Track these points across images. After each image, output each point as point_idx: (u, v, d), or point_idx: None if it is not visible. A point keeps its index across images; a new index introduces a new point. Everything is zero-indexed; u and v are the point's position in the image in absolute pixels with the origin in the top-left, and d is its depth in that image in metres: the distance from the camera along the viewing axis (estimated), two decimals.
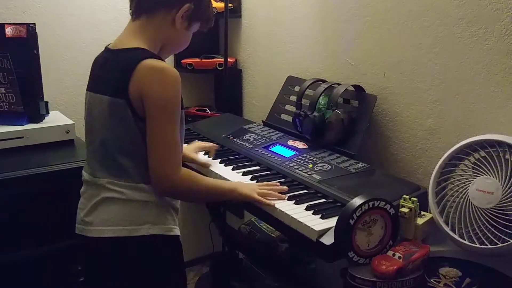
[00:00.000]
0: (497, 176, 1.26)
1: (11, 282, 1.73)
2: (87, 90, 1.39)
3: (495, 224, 1.23)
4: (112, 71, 1.30)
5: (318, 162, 1.64)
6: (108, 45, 1.39)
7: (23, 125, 1.90)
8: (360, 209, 1.21)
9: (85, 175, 1.39)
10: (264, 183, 1.51)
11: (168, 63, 2.58)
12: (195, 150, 1.73)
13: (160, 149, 1.27)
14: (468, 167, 1.35)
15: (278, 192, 1.45)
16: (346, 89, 1.78)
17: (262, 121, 2.08)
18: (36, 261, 1.76)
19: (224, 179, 1.58)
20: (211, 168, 1.67)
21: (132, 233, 1.30)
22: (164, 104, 1.26)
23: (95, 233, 1.32)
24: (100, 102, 1.31)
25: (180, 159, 1.32)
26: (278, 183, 1.50)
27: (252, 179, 1.58)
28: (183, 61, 2.47)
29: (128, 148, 1.30)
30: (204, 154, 1.77)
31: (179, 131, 1.31)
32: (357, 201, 1.22)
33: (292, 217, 1.32)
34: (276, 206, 1.38)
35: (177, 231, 1.38)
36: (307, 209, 1.36)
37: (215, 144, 1.80)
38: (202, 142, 1.81)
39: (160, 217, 1.34)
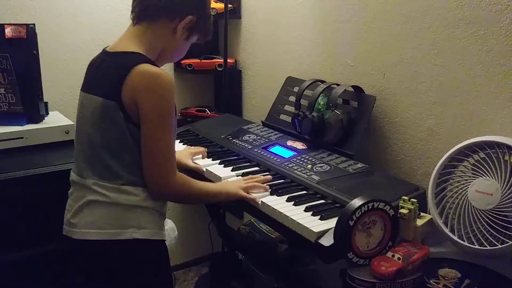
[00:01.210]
0: (496, 177, 1.26)
1: (11, 281, 1.73)
2: (81, 90, 1.40)
3: (494, 226, 1.23)
4: (106, 73, 1.31)
5: (317, 162, 1.64)
6: (106, 47, 1.40)
7: (22, 125, 1.90)
8: (359, 210, 1.21)
9: (72, 175, 1.40)
10: (248, 177, 1.54)
11: (168, 64, 2.59)
12: (187, 156, 1.73)
13: (155, 156, 1.28)
14: (467, 169, 1.35)
15: (263, 183, 1.49)
16: (345, 89, 1.78)
17: (262, 121, 2.08)
18: (35, 262, 1.76)
19: (223, 179, 1.58)
20: (210, 169, 1.67)
21: (115, 237, 1.30)
22: (158, 110, 1.27)
23: (79, 235, 1.33)
24: (92, 102, 1.32)
25: (175, 165, 1.33)
26: (261, 176, 1.54)
27: None
28: (183, 61, 2.46)
29: (117, 150, 1.30)
30: None
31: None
32: (357, 202, 1.22)
33: (291, 218, 1.32)
34: (275, 207, 1.38)
35: (162, 236, 1.38)
36: (306, 210, 1.36)
37: (204, 148, 1.81)
38: (192, 148, 1.82)
39: (145, 221, 1.33)
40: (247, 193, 1.46)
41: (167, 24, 1.36)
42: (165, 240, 1.40)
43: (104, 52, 1.39)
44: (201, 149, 1.80)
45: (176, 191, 1.34)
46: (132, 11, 1.38)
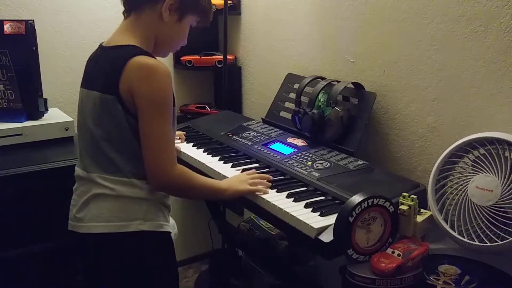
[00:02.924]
0: (496, 173, 1.26)
1: (11, 279, 1.73)
2: (80, 86, 1.41)
3: (494, 222, 1.24)
4: (103, 68, 1.32)
5: (317, 159, 1.64)
6: (102, 43, 1.41)
7: (22, 122, 1.90)
8: (359, 206, 1.21)
9: (78, 170, 1.40)
10: (251, 171, 1.54)
11: (167, 60, 2.59)
12: None
13: (153, 145, 1.28)
14: (467, 165, 1.35)
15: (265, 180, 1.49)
16: (345, 86, 1.77)
17: (262, 118, 2.08)
18: (35, 259, 1.76)
19: (223, 176, 1.58)
20: (210, 166, 1.66)
21: (122, 229, 1.31)
22: (154, 100, 1.26)
23: (85, 229, 1.33)
24: (91, 98, 1.32)
25: (174, 155, 1.32)
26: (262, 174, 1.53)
27: None
28: (182, 58, 2.47)
29: (118, 143, 1.30)
30: None
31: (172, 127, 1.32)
32: (357, 198, 1.22)
33: (291, 214, 1.32)
34: (275, 203, 1.38)
35: (167, 228, 1.39)
36: (306, 206, 1.36)
37: (182, 132, 1.96)
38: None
39: (150, 214, 1.34)
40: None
41: (152, 10, 1.35)
42: (170, 232, 1.41)
43: (100, 47, 1.39)
44: (179, 132, 1.91)
45: (174, 183, 1.32)
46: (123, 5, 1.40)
